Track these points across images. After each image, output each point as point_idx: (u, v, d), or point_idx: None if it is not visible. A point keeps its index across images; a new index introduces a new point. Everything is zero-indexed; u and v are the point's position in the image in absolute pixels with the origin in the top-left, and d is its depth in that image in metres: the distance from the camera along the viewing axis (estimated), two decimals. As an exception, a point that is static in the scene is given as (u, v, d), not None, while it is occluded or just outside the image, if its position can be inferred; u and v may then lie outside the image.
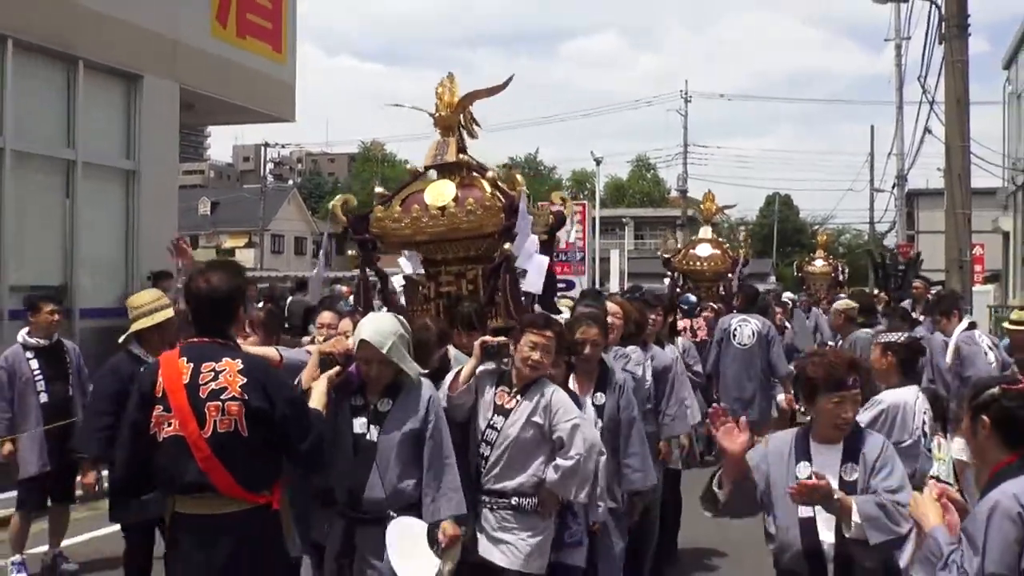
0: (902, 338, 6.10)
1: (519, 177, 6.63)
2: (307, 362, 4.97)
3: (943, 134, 15.97)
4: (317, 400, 4.63)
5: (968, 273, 15.67)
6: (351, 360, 4.87)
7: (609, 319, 6.70)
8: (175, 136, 15.17)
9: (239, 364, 4.29)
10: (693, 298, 13.40)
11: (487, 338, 5.32)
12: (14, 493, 8.15)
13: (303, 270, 35.45)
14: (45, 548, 8.03)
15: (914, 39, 37.40)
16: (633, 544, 6.60)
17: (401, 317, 5.07)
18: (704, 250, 15.10)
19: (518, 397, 5.23)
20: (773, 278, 45.18)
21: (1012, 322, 9.52)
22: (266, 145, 62.58)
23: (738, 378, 10.97)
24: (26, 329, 8.18)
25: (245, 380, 4.24)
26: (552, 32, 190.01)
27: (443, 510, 4.72)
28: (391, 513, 4.67)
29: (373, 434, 4.78)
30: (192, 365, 4.29)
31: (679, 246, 16.20)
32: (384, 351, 4.72)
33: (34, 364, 7.99)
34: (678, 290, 15.11)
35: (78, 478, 7.14)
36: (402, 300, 6.83)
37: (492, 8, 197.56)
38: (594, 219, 32.58)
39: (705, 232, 15.71)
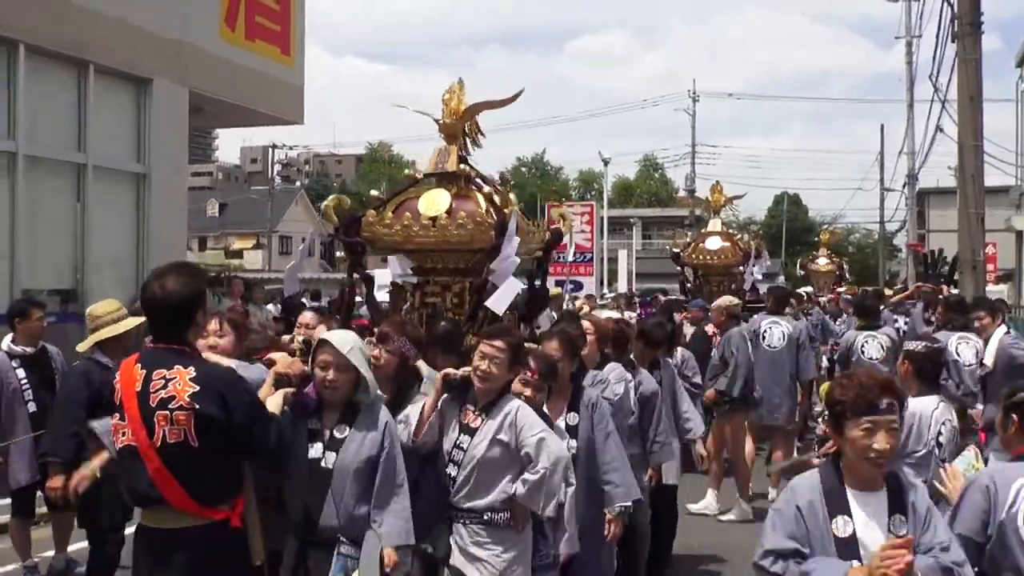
0: (920, 347, 5.99)
1: (513, 196, 6.58)
2: (264, 380, 4.84)
3: (955, 133, 15.90)
4: (275, 405, 4.54)
5: (981, 273, 15.54)
6: (307, 381, 4.79)
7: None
8: (184, 139, 15.20)
9: (191, 372, 4.11)
10: (702, 302, 13.22)
11: (449, 371, 5.19)
12: (6, 500, 8.07)
13: (311, 271, 35.43)
14: (52, 553, 7.98)
15: (925, 36, 37.16)
16: (624, 555, 6.50)
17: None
18: (714, 243, 14.78)
19: (483, 416, 5.11)
20: (782, 277, 45.10)
21: None
22: (274, 147, 62.59)
23: (765, 381, 10.70)
24: (10, 336, 7.94)
25: (196, 388, 4.07)
26: (558, 30, 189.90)
27: (387, 538, 4.62)
28: (341, 539, 4.59)
29: (329, 461, 4.66)
30: (145, 372, 4.15)
31: (689, 240, 15.91)
32: (345, 351, 4.63)
33: (20, 373, 7.75)
34: (688, 286, 15.03)
35: (47, 483, 6.76)
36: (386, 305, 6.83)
37: (497, 7, 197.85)
38: (602, 219, 32.53)
39: (715, 225, 15.41)
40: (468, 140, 6.71)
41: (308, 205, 72.19)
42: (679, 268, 15.44)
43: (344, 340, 4.70)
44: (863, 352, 10.55)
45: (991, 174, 21.04)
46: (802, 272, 22.96)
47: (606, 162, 40.67)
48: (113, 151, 13.63)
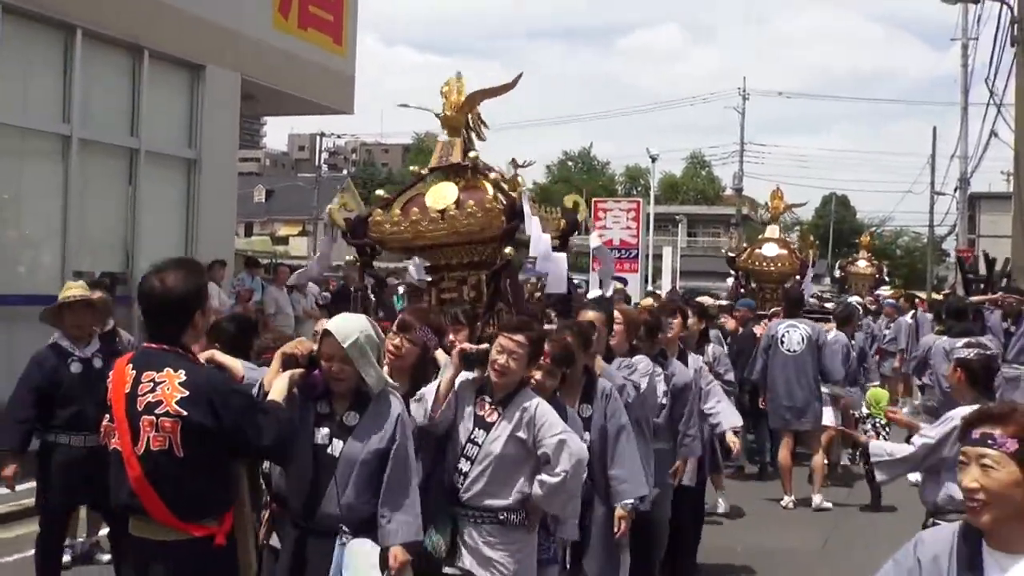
0: (973, 355, 5.96)
1: (520, 178, 6.41)
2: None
3: (1009, 137, 15.74)
4: (276, 395, 4.20)
5: (1034, 281, 15.40)
6: (315, 363, 4.47)
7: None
8: (235, 126, 15.36)
9: (181, 376, 3.83)
10: (751, 303, 13.14)
11: (466, 345, 4.99)
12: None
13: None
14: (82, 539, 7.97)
15: (982, 39, 36.45)
16: (639, 553, 6.20)
17: (373, 322, 4.64)
18: (771, 250, 14.57)
19: (500, 410, 4.87)
20: (828, 280, 44.77)
21: None
22: (322, 135, 62.96)
23: (788, 386, 10.61)
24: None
25: (186, 394, 3.79)
26: (610, 26, 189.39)
27: (398, 535, 4.34)
28: (343, 528, 4.33)
29: (336, 448, 4.39)
30: (135, 373, 3.89)
31: (744, 244, 15.75)
32: (344, 345, 4.31)
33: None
34: (742, 291, 14.91)
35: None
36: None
37: (551, 1, 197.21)
38: (647, 216, 32.39)
39: (772, 231, 15.18)
40: (472, 133, 6.48)
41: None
42: (732, 272, 15.33)
43: (346, 331, 4.36)
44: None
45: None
46: (840, 274, 22.68)
47: (653, 159, 40.63)
48: (165, 136, 13.76)
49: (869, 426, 11.28)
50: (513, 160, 7.10)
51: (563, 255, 6.26)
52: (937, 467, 5.43)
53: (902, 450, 5.72)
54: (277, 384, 4.25)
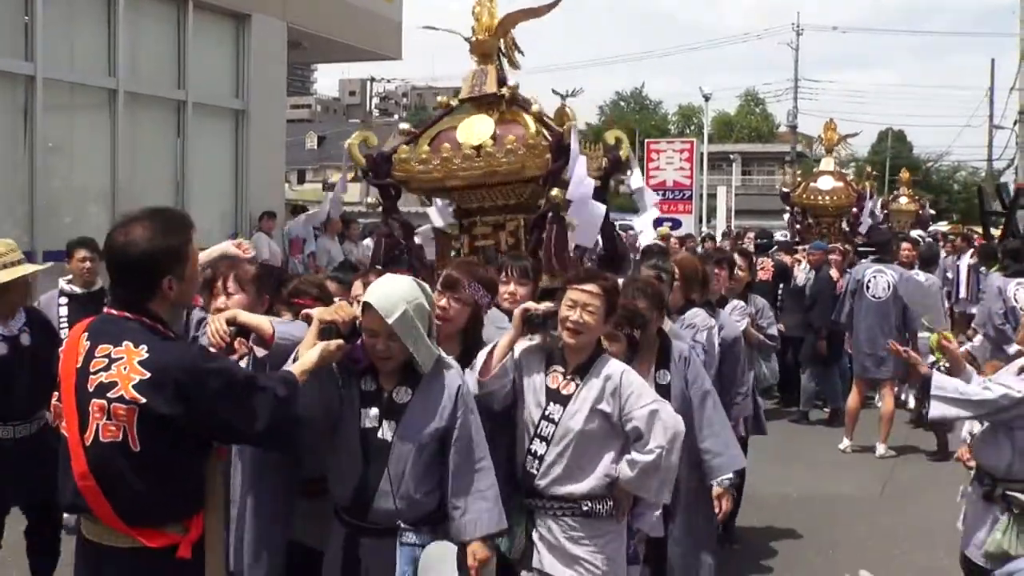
0: None
1: (569, 110, 5.65)
2: (302, 339, 3.78)
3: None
4: (301, 366, 3.53)
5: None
6: (358, 332, 3.78)
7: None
8: (283, 75, 15.21)
9: (142, 352, 3.09)
10: (823, 244, 12.79)
11: (529, 304, 4.23)
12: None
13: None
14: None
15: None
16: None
17: (423, 283, 3.91)
18: (826, 183, 14.38)
19: (577, 380, 4.17)
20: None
21: None
22: (372, 80, 62.81)
23: (871, 333, 10.28)
24: (67, 277, 7.46)
25: (146, 376, 3.07)
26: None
27: (478, 527, 3.72)
28: (402, 525, 3.72)
29: (387, 431, 3.73)
30: (89, 345, 3.18)
31: (799, 179, 15.47)
32: (390, 321, 3.62)
33: (63, 311, 7.14)
34: (797, 226, 14.61)
35: None
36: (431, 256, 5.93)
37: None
38: (701, 155, 31.94)
39: (827, 164, 14.99)
40: (505, 59, 5.76)
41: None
42: (788, 208, 15.04)
43: (390, 303, 3.66)
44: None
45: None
46: (884, 212, 22.31)
47: (707, 97, 40.04)
48: (212, 87, 13.67)
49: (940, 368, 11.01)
50: (556, 93, 6.37)
51: (602, 207, 5.59)
52: (1011, 424, 4.87)
53: (976, 393, 4.95)
54: (306, 357, 3.58)
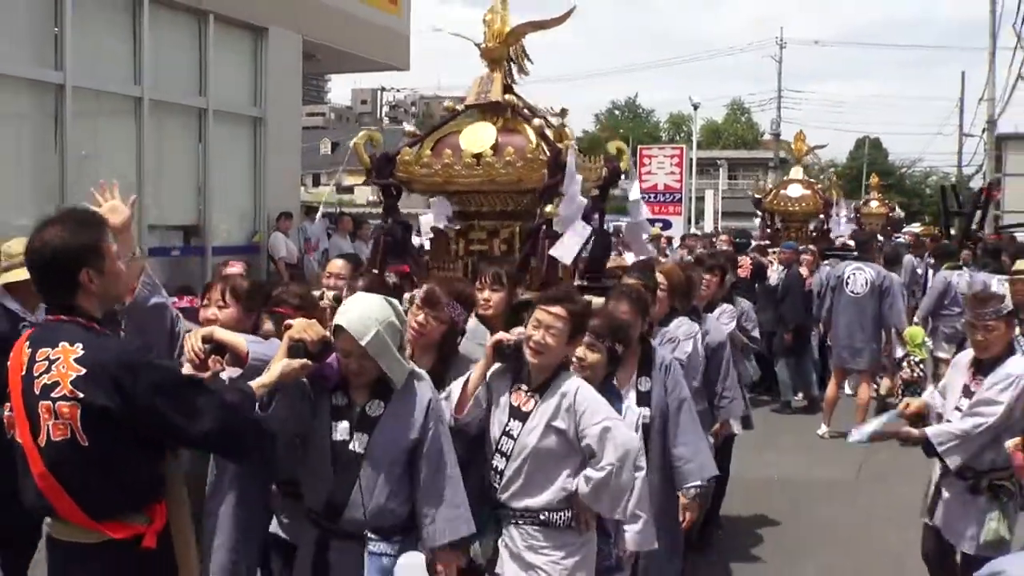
0: None
1: (568, 129, 5.44)
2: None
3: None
4: (260, 380, 3.44)
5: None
6: (328, 349, 3.63)
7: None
8: (298, 85, 15.16)
9: (78, 350, 3.02)
10: (794, 245, 12.83)
11: (501, 335, 4.08)
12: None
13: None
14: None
15: (1010, -15, 35.33)
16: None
17: (395, 301, 3.80)
18: (795, 191, 14.60)
19: (537, 397, 4.00)
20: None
21: None
22: (383, 89, 62.72)
23: (849, 327, 10.39)
24: None
25: (82, 371, 2.99)
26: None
27: (446, 533, 3.63)
28: (369, 535, 3.62)
29: (358, 444, 3.62)
30: (31, 352, 3.10)
31: (771, 187, 15.65)
32: (363, 343, 3.53)
33: None
34: (768, 230, 14.74)
35: None
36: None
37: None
38: (690, 161, 31.93)
39: (796, 173, 15.21)
40: (514, 66, 5.62)
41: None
42: (759, 213, 15.25)
43: (362, 327, 3.55)
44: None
45: (1075, 121, 20.14)
46: (855, 215, 22.31)
47: (695, 106, 39.89)
48: (231, 96, 13.61)
49: (905, 364, 11.05)
50: (559, 109, 5.85)
51: (588, 228, 5.34)
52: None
53: (972, 425, 4.83)
54: (268, 372, 3.49)
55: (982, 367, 5.03)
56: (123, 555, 3.08)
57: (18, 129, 11.00)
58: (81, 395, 2.97)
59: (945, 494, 5.06)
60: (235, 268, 5.53)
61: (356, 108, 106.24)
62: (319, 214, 15.91)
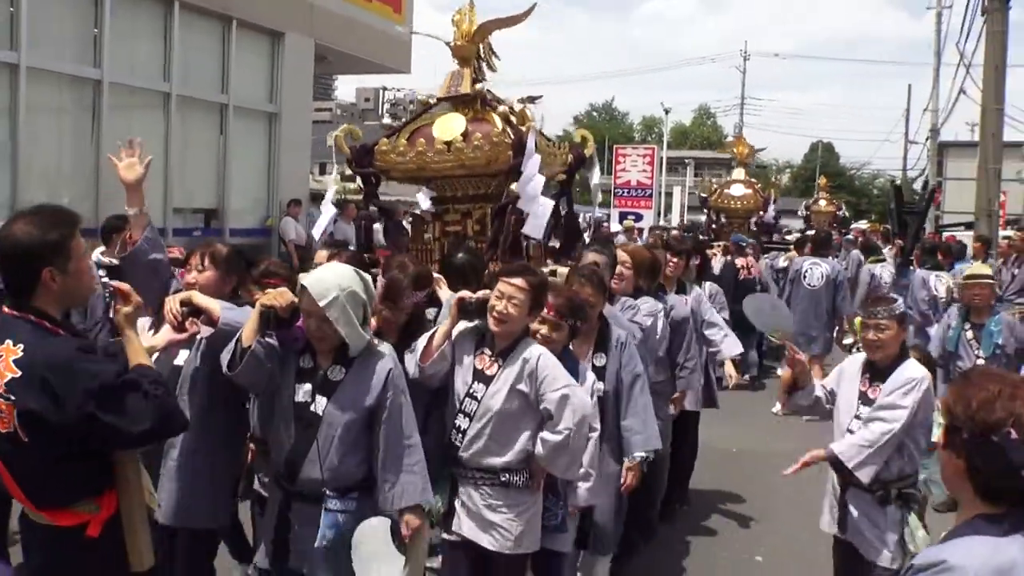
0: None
1: (529, 112, 5.31)
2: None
3: (976, 94, 15.34)
4: (244, 338, 3.44)
5: (996, 220, 15.35)
6: (297, 315, 3.53)
7: (618, 269, 5.37)
8: (310, 84, 15.19)
9: (18, 351, 2.78)
10: (744, 238, 12.93)
11: (464, 293, 3.98)
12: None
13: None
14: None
15: (955, 7, 35.50)
16: (640, 492, 5.01)
17: (364, 274, 3.65)
18: (738, 190, 14.64)
19: (500, 361, 3.90)
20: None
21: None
22: (384, 89, 62.50)
23: (805, 316, 10.42)
24: (100, 249, 7.20)
25: (17, 374, 2.76)
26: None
27: (404, 498, 3.49)
28: (327, 492, 3.49)
29: (319, 406, 3.50)
30: None
31: (715, 186, 15.67)
32: (321, 304, 3.40)
33: (105, 280, 6.55)
34: (714, 226, 14.74)
35: None
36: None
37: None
38: (661, 159, 32.02)
39: (738, 173, 15.17)
40: (483, 63, 5.52)
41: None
42: (705, 211, 15.25)
43: (323, 289, 3.43)
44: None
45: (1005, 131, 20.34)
46: (806, 213, 22.32)
47: (667, 110, 40.15)
48: (250, 93, 13.66)
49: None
50: (530, 96, 5.66)
51: (550, 202, 5.25)
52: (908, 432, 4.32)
53: (875, 433, 4.30)
54: (245, 331, 3.45)
55: (877, 373, 4.47)
56: (67, 542, 2.91)
57: (60, 120, 11.05)
58: (13, 397, 2.76)
59: (853, 509, 4.45)
60: (172, 252, 5.36)
61: (360, 105, 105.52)
62: (329, 198, 15.83)
